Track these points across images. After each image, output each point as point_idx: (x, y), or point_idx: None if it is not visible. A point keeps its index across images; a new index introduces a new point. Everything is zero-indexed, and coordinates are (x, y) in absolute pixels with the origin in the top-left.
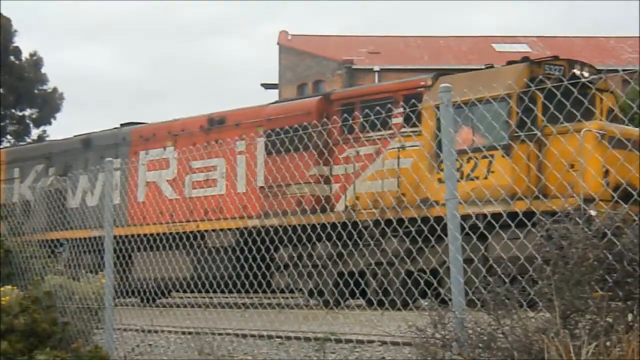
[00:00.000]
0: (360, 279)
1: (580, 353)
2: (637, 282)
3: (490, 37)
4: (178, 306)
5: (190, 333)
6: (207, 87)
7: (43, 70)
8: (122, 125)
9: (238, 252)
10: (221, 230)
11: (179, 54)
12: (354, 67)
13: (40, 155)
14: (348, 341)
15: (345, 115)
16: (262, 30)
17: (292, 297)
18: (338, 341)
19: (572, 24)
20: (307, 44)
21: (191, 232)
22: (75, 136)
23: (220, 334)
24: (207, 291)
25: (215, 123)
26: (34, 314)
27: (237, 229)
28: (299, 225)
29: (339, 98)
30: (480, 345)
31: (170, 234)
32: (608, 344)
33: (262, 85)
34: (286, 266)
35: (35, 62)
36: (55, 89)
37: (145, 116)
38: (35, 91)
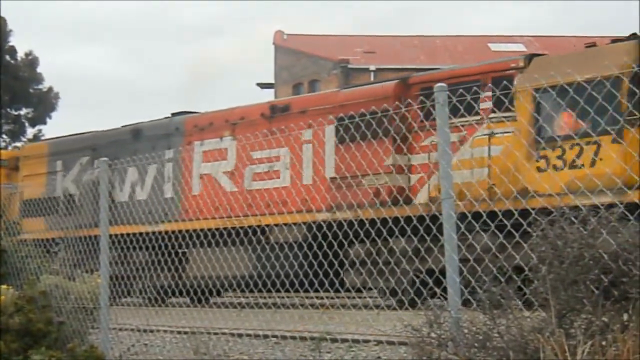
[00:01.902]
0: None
1: (576, 352)
2: (633, 282)
3: (486, 36)
4: (174, 306)
5: (185, 333)
6: (206, 86)
7: (38, 70)
8: (173, 114)
9: (305, 248)
10: (286, 224)
11: (177, 54)
12: (349, 66)
13: (85, 147)
14: (344, 341)
15: (426, 100)
16: (260, 31)
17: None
18: (334, 341)
19: (572, 24)
20: (303, 44)
21: (252, 226)
22: (123, 126)
23: (216, 334)
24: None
25: (279, 110)
26: (29, 314)
27: (304, 223)
28: (374, 219)
29: (419, 82)
30: (476, 344)
31: (232, 228)
32: (604, 343)
33: (258, 84)
34: (360, 263)
35: (31, 61)
36: (50, 89)
37: (145, 116)
38: (31, 90)
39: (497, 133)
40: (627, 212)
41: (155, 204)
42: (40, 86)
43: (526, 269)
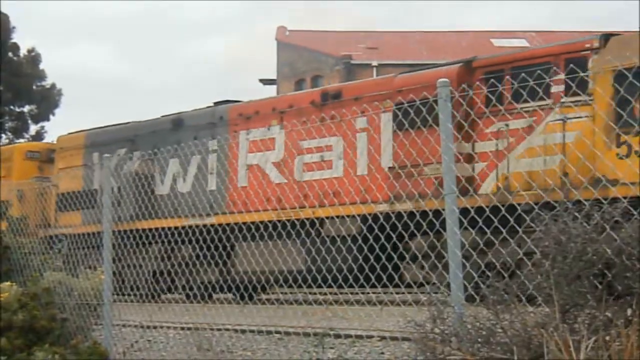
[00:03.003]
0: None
1: (580, 347)
2: (636, 277)
3: (488, 32)
4: (177, 302)
5: (189, 329)
6: (206, 85)
7: (41, 67)
8: (216, 103)
9: (361, 241)
10: (340, 217)
11: (178, 53)
12: (352, 62)
13: (123, 138)
14: (347, 336)
15: (492, 84)
16: (261, 28)
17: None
18: (337, 336)
19: (572, 24)
20: (305, 40)
21: (304, 219)
22: (163, 116)
23: (219, 330)
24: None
25: (330, 98)
26: (33, 311)
27: (361, 215)
28: (435, 210)
29: (484, 65)
30: (479, 340)
31: (282, 221)
32: (607, 338)
33: (261, 80)
34: (420, 257)
35: (34, 58)
36: (53, 85)
37: (146, 114)
38: (34, 87)
39: (570, 118)
40: (630, 207)
41: (200, 195)
42: (43, 83)
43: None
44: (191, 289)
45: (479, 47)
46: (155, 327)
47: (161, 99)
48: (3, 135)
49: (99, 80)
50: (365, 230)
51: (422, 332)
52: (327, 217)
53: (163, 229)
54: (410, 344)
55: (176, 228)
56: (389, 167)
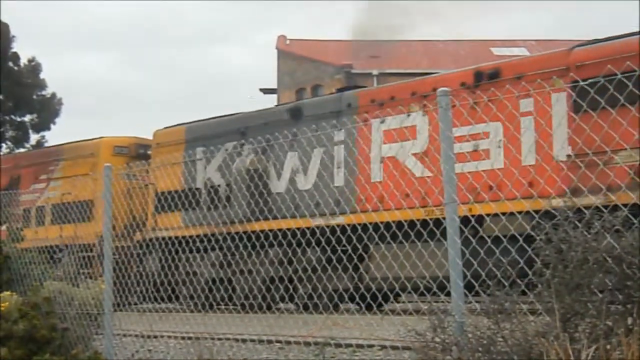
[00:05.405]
0: None
1: (580, 356)
2: (637, 286)
3: (489, 41)
4: (177, 311)
5: (189, 338)
6: (207, 93)
7: (41, 76)
8: (338, 90)
9: (524, 242)
10: (504, 214)
11: (179, 62)
12: (352, 71)
13: (232, 131)
14: (348, 345)
15: None
16: (262, 37)
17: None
18: (338, 345)
19: (575, 30)
20: (306, 49)
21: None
22: (277, 105)
23: (219, 339)
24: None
25: (486, 78)
26: (33, 320)
27: (522, 212)
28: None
29: None
30: (480, 349)
31: (426, 220)
32: (608, 347)
33: (261, 90)
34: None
35: (34, 67)
36: (54, 95)
37: (147, 122)
38: (34, 97)
39: None
40: (630, 216)
41: (325, 192)
42: (43, 92)
43: None
44: (320, 297)
45: (478, 56)
46: (156, 337)
47: (162, 108)
48: (3, 145)
49: (103, 89)
50: (529, 229)
51: (422, 341)
52: (484, 215)
53: (280, 230)
54: (411, 353)
55: (298, 229)
56: (567, 155)
